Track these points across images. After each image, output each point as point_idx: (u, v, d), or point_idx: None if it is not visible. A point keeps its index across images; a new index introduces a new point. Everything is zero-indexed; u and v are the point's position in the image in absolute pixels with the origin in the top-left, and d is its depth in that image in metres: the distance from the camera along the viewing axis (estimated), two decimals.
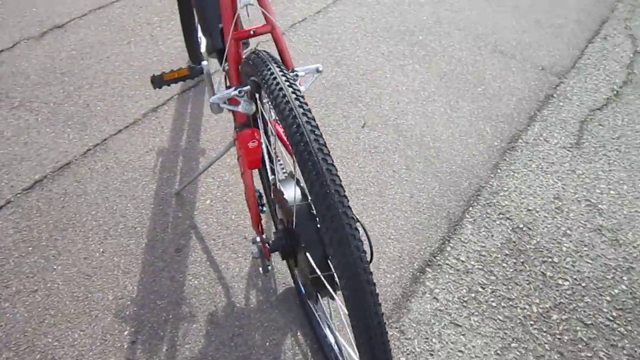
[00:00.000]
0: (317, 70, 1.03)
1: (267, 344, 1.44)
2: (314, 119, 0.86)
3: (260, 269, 1.22)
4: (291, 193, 1.09)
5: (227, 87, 1.48)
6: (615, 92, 2.42)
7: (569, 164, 2.06)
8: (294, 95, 0.87)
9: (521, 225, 1.83)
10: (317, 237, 1.05)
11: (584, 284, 1.67)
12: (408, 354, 1.46)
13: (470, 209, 1.86)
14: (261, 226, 1.28)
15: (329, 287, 0.96)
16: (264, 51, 1.03)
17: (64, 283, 1.54)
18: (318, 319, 1.40)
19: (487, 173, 1.99)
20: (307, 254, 1.03)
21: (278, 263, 1.62)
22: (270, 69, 0.94)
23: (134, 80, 2.18)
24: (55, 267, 1.57)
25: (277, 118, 0.89)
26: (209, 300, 1.52)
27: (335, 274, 0.94)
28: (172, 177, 1.84)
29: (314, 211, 1.03)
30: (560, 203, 1.91)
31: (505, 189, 1.95)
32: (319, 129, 0.86)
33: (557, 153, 2.10)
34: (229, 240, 1.67)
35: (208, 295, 1.54)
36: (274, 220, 1.17)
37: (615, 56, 2.63)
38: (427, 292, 1.60)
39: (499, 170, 2.01)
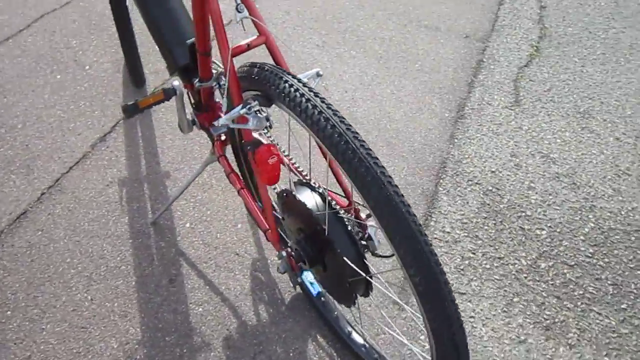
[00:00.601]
0: (318, 75, 1.02)
1: (291, 354, 1.43)
2: (351, 125, 0.86)
3: (291, 282, 1.20)
4: (312, 201, 1.07)
5: (196, 105, 1.42)
6: (534, 47, 2.59)
7: (514, 122, 2.19)
8: (324, 105, 0.86)
9: (490, 188, 1.92)
10: (350, 240, 1.05)
11: (558, 230, 1.79)
12: (420, 331, 1.50)
13: (441, 181, 1.93)
14: (280, 241, 1.25)
15: (388, 290, 0.97)
16: (267, 64, 1.01)
17: (59, 342, 1.43)
18: (336, 317, 1.40)
19: (446, 144, 2.07)
20: (345, 258, 1.03)
21: (274, 273, 1.59)
22: (286, 80, 0.92)
23: (70, 112, 2.04)
24: (43, 326, 1.45)
25: (308, 128, 0.87)
26: (219, 325, 1.48)
27: (369, 277, 0.96)
28: (143, 206, 1.75)
29: (342, 215, 1.03)
30: (517, 160, 2.03)
31: (467, 156, 2.03)
32: (359, 134, 0.85)
33: (502, 114, 2.22)
34: (222, 260, 1.62)
35: (217, 320, 1.49)
36: (279, 233, 1.16)
37: (526, 14, 2.81)
38: None
39: (456, 140, 2.10)
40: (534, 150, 2.07)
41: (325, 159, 1.09)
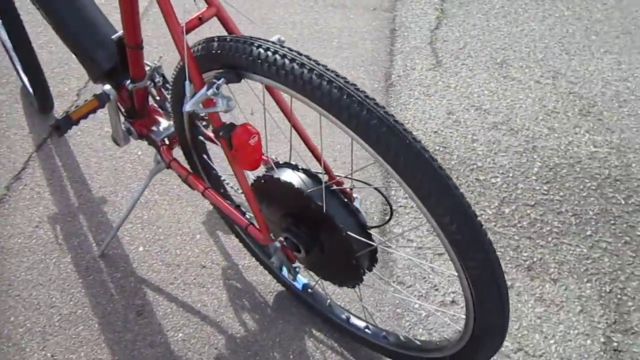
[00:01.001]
0: (280, 41, 0.93)
1: (291, 356, 1.33)
2: (347, 78, 0.78)
3: (285, 277, 1.09)
4: (297, 180, 0.98)
5: (129, 113, 1.28)
6: (439, 10, 2.64)
7: (442, 82, 2.21)
8: (312, 61, 0.77)
9: (437, 147, 1.92)
10: (350, 212, 0.97)
11: (510, 175, 1.83)
12: (421, 295, 1.46)
13: None
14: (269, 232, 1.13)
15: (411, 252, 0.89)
16: (226, 35, 0.90)
17: None
18: (330, 306, 1.32)
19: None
20: (349, 233, 0.95)
21: (249, 277, 1.48)
22: (259, 45, 0.82)
23: None
24: None
25: (298, 92, 0.78)
26: (206, 346, 1.34)
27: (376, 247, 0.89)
28: (84, 240, 1.56)
29: (335, 188, 0.95)
30: (454, 116, 2.05)
31: (407, 121, 2.02)
32: (357, 86, 0.78)
33: (427, 76, 2.24)
34: (189, 277, 1.48)
35: (201, 341, 1.35)
36: (261, 222, 1.05)
37: None
38: (402, 238, 1.60)
39: (392, 107, 2.08)
40: (467, 105, 2.10)
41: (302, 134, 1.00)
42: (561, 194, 1.78)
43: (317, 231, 1.02)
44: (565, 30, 2.51)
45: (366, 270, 1.02)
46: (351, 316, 1.31)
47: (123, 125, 1.33)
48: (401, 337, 1.18)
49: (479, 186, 1.79)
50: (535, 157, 1.91)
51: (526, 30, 2.51)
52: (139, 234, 1.58)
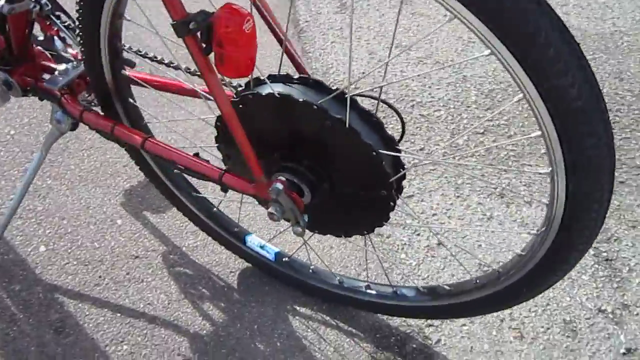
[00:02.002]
0: None
1: (278, 343, 1.06)
2: None
3: (295, 227, 0.79)
4: (299, 94, 0.72)
5: (4, 58, 0.91)
6: None
7: (353, 24, 2.02)
8: None
9: (369, 87, 1.73)
10: (374, 126, 0.73)
11: (452, 106, 1.70)
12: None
13: None
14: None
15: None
16: None
17: None
18: (314, 272, 1.07)
19: (304, 60, 1.81)
20: (381, 151, 0.71)
21: (201, 257, 1.17)
22: None
23: None
24: None
25: None
26: (165, 354, 1.02)
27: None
28: None
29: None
30: (377, 56, 1.88)
31: (331, 66, 1.81)
32: None
33: (337, 19, 2.05)
34: (118, 273, 1.13)
35: (157, 349, 1.03)
36: (252, 158, 0.76)
37: None
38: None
39: (310, 53, 1.85)
40: (386, 43, 1.94)
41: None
42: (505, 118, 1.69)
43: (329, 161, 0.76)
44: None
45: (396, 202, 0.78)
46: (344, 279, 1.06)
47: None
48: (421, 289, 0.97)
49: (424, 121, 1.63)
50: (468, 86, 1.80)
51: None
52: (35, 231, 1.18)
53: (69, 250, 1.16)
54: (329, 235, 1.24)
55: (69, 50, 1.03)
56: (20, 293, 1.07)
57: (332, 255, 1.21)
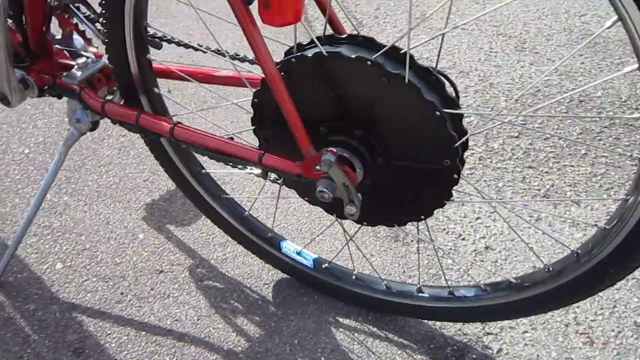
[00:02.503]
0: None
1: (322, 357, 0.95)
2: None
3: (350, 207, 0.69)
4: (353, 52, 0.64)
5: (19, 55, 0.86)
6: None
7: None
8: None
9: None
10: (434, 83, 0.65)
11: (482, 110, 1.63)
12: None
13: None
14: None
15: None
16: None
17: None
18: (358, 280, 0.97)
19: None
20: (446, 110, 0.62)
21: (231, 270, 1.07)
22: None
23: None
24: None
25: None
26: None
27: None
28: None
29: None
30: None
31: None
32: None
33: None
34: (142, 289, 1.04)
35: None
36: (299, 127, 0.68)
37: None
38: None
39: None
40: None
41: None
42: (538, 121, 1.61)
43: (384, 129, 0.68)
44: None
45: (460, 174, 0.69)
46: (392, 284, 0.96)
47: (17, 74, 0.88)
48: (482, 286, 0.87)
49: None
50: (496, 92, 1.73)
51: None
52: (51, 248, 1.09)
53: (88, 267, 1.07)
54: (368, 243, 1.15)
55: (90, 49, 0.97)
56: (35, 313, 0.97)
57: (373, 263, 1.11)
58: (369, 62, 0.62)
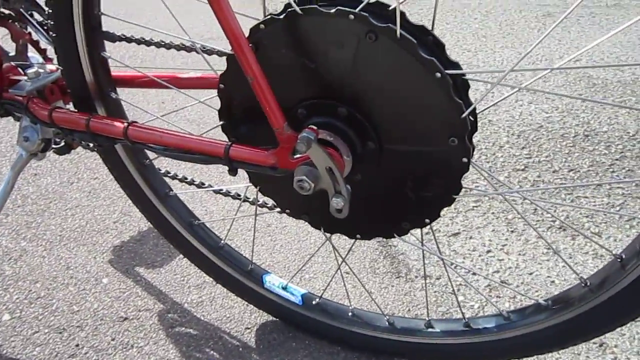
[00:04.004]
0: None
1: None
2: None
3: (337, 201, 0.56)
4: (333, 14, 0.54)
5: None
6: None
7: None
8: None
9: None
10: (433, 46, 0.54)
11: (483, 147, 1.53)
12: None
13: None
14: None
15: None
16: None
17: None
18: (355, 317, 0.82)
19: None
20: (449, 71, 0.51)
21: (204, 312, 0.92)
22: None
23: None
24: None
25: None
26: None
27: None
28: None
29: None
30: None
31: None
32: None
33: None
34: (102, 340, 0.88)
35: None
36: (272, 103, 0.56)
37: None
38: None
39: None
40: None
41: None
42: (545, 154, 1.51)
43: (375, 103, 0.56)
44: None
45: (471, 158, 0.56)
46: (395, 319, 0.81)
47: None
48: (505, 314, 0.72)
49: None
50: (496, 129, 1.65)
51: None
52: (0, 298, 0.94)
53: (40, 317, 0.91)
54: (366, 280, 1.00)
55: (47, 65, 0.87)
56: None
57: (371, 301, 0.96)
58: (352, 16, 0.51)
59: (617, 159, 1.49)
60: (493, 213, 1.24)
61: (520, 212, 1.23)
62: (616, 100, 1.89)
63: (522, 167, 1.44)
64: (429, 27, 0.55)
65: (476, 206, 1.26)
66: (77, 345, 0.86)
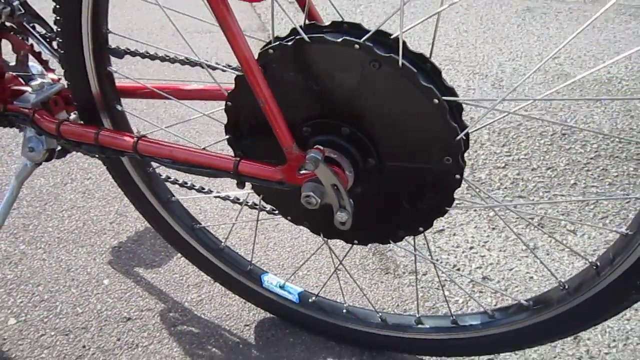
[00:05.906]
0: None
1: None
2: None
3: (340, 213, 0.60)
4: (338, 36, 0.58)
5: None
6: None
7: None
8: None
9: None
10: (429, 71, 0.59)
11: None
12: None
13: None
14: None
15: None
16: None
17: None
18: (349, 313, 0.87)
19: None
20: (446, 98, 0.56)
21: (206, 312, 0.96)
22: None
23: None
24: None
25: None
26: None
27: None
28: None
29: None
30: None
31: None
32: None
33: None
34: (107, 340, 0.92)
35: None
36: (281, 123, 0.60)
37: None
38: None
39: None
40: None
41: None
42: (524, 152, 1.57)
43: (376, 124, 0.61)
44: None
45: (463, 175, 0.62)
46: (387, 315, 0.86)
47: None
48: (490, 312, 0.78)
49: None
50: (477, 125, 1.70)
51: None
52: (4, 302, 0.97)
53: (45, 320, 0.94)
54: (356, 277, 1.05)
55: (49, 75, 0.89)
56: None
57: (364, 298, 1.01)
58: (357, 46, 0.56)
59: (591, 158, 1.56)
60: (475, 210, 1.30)
61: (502, 216, 1.30)
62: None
63: (503, 164, 1.51)
64: (427, 55, 0.59)
65: (459, 203, 1.32)
66: (84, 347, 0.90)
